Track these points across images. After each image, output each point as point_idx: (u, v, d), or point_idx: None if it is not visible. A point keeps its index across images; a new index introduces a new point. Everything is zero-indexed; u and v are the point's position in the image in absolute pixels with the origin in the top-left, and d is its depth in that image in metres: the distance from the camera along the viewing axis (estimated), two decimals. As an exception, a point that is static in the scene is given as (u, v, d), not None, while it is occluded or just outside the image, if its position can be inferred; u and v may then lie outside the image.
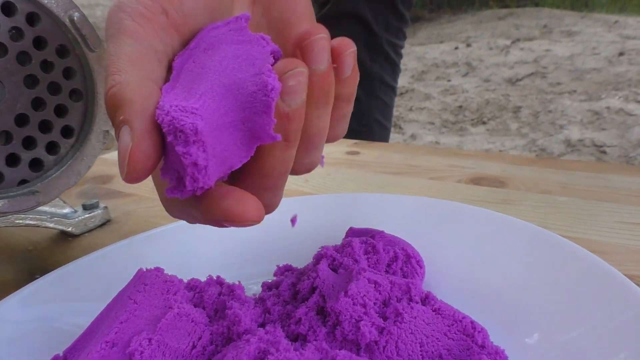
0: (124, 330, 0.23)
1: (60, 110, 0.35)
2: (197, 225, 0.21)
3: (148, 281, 0.25)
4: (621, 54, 2.73)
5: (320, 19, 0.86)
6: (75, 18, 0.33)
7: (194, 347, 0.23)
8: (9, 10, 0.32)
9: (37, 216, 0.41)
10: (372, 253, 0.28)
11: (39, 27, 0.33)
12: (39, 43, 0.33)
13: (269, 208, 0.21)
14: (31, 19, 0.33)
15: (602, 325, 0.22)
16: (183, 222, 0.36)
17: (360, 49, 0.85)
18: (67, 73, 0.35)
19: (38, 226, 0.42)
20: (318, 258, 0.28)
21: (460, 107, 2.20)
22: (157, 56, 0.20)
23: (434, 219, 0.33)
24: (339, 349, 0.21)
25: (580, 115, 1.77)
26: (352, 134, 0.85)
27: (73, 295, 0.30)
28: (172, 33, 0.21)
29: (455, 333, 0.21)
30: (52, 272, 0.31)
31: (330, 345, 0.22)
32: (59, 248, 0.42)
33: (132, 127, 0.17)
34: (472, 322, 0.22)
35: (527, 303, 0.25)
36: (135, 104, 0.17)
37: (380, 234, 0.30)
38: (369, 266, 0.28)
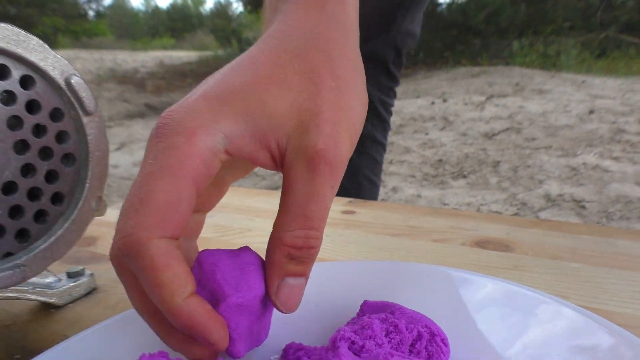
0: None
1: (51, 176, 0.32)
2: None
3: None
4: (591, 111, 2.83)
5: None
6: (72, 81, 0.32)
7: None
8: (2, 73, 0.30)
9: (18, 287, 0.38)
10: (395, 333, 0.26)
11: (32, 90, 0.31)
12: (31, 107, 0.31)
13: None
14: (25, 82, 0.31)
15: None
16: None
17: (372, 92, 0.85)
18: (60, 137, 0.33)
19: (19, 299, 0.38)
20: (335, 341, 0.26)
21: (440, 160, 2.22)
22: None
23: (452, 290, 0.31)
24: None
25: (558, 170, 1.80)
26: (343, 191, 0.84)
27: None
28: None
29: None
30: (36, 358, 0.27)
31: None
32: (41, 322, 0.39)
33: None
34: None
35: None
36: None
37: (401, 309, 0.28)
38: (391, 348, 0.25)
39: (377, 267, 0.34)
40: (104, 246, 0.53)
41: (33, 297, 0.39)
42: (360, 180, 0.87)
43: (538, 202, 1.59)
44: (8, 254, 0.31)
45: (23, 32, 0.30)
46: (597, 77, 4.20)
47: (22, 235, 0.31)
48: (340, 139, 0.23)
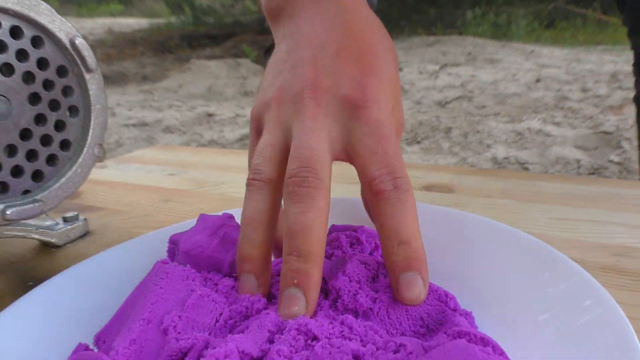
0: (155, 310, 0.26)
1: (59, 126, 0.38)
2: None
3: (168, 270, 0.29)
4: (538, 80, 2.98)
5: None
6: (76, 42, 0.37)
7: (217, 321, 0.27)
8: (16, 33, 0.34)
9: (24, 228, 0.43)
10: (357, 244, 0.33)
11: (42, 49, 0.36)
12: (41, 64, 0.36)
13: None
14: (35, 42, 0.36)
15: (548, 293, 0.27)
16: (188, 223, 0.39)
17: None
18: (66, 91, 0.38)
19: (25, 237, 0.44)
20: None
21: (396, 128, 2.31)
22: None
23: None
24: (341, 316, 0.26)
25: (505, 135, 1.93)
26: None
27: (92, 289, 0.32)
28: None
29: (432, 300, 0.27)
30: (67, 270, 0.33)
31: (334, 313, 0.27)
32: (45, 258, 0.44)
33: None
34: (444, 291, 0.28)
35: (480, 278, 0.31)
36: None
37: (361, 228, 0.35)
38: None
39: (344, 203, 0.41)
40: (89, 198, 0.58)
41: (36, 236, 0.44)
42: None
43: (486, 164, 1.70)
44: (26, 192, 0.36)
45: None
46: (545, 47, 4.39)
47: (37, 176, 0.37)
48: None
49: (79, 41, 0.37)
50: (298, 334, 0.24)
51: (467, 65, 3.66)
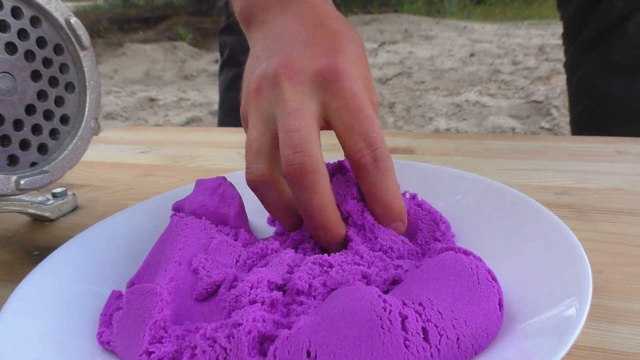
0: (183, 254, 0.30)
1: (58, 101, 0.40)
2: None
3: (188, 222, 0.33)
4: (472, 55, 3.12)
5: (233, 24, 0.95)
6: (71, 20, 0.39)
7: (237, 262, 0.31)
8: (16, 14, 0.37)
9: (20, 203, 0.45)
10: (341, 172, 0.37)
11: (40, 28, 0.38)
12: (40, 42, 0.38)
13: None
14: (33, 21, 0.38)
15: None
16: (186, 189, 0.43)
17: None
18: (62, 69, 0.40)
19: (21, 212, 0.46)
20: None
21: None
22: None
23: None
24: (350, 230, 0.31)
25: (445, 108, 2.03)
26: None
27: (111, 248, 0.36)
28: None
29: (427, 220, 0.32)
30: (82, 232, 0.36)
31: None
32: (41, 231, 0.47)
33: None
34: (441, 216, 0.33)
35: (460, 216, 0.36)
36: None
37: (344, 161, 0.39)
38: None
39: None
40: (68, 177, 0.60)
41: (32, 211, 0.46)
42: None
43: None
44: (33, 164, 0.38)
45: (33, -19, 0.37)
46: (476, 23, 4.56)
47: (42, 149, 0.39)
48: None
49: (74, 20, 0.39)
50: (314, 264, 0.29)
51: (404, 43, 3.76)
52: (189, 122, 2.18)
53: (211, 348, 0.23)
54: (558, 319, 0.23)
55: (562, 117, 1.79)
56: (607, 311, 0.29)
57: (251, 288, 0.26)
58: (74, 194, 0.51)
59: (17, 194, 0.37)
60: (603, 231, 0.37)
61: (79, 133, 0.41)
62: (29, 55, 0.38)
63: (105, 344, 0.27)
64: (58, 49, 0.40)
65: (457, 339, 0.23)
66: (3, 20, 0.36)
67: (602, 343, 0.26)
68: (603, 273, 0.32)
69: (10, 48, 0.36)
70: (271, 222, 0.40)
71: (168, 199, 0.42)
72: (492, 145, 0.58)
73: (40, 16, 0.38)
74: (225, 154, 0.63)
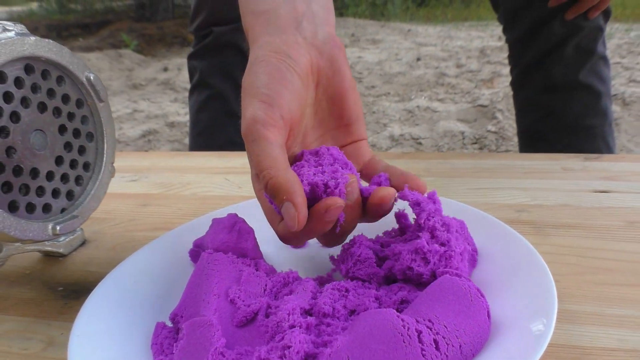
0: (219, 287, 0.36)
1: (81, 150, 0.44)
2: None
3: (218, 258, 0.38)
4: (418, 59, 3.25)
5: (202, 50, 0.99)
6: (91, 77, 0.44)
7: (265, 290, 0.37)
8: (45, 75, 0.41)
9: (39, 241, 0.49)
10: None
11: (63, 86, 0.42)
12: (64, 99, 0.43)
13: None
14: (58, 80, 0.42)
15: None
16: (195, 223, 0.48)
17: (238, 72, 1.00)
18: (83, 120, 0.44)
19: (39, 251, 0.49)
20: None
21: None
22: (284, 149, 0.34)
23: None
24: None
25: (398, 114, 2.13)
26: (237, 146, 0.99)
27: (142, 283, 0.40)
28: (286, 130, 0.35)
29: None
30: (112, 271, 0.41)
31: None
32: (57, 267, 0.50)
33: (295, 203, 0.31)
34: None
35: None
36: (294, 187, 0.32)
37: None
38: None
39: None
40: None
41: (49, 248, 0.50)
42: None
43: (385, 142, 1.88)
44: (62, 210, 0.43)
45: (58, 44, 0.41)
46: (420, 25, 4.73)
47: (70, 196, 0.43)
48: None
49: (93, 77, 0.44)
50: (333, 290, 0.35)
51: (352, 47, 3.86)
52: (145, 135, 2.18)
53: (267, 367, 0.29)
54: (534, 326, 0.30)
55: (506, 119, 1.92)
56: (566, 314, 0.36)
57: (289, 315, 0.32)
58: (81, 229, 0.55)
59: (53, 239, 0.41)
60: (557, 244, 0.45)
61: (100, 177, 0.45)
62: (56, 111, 0.42)
63: (165, 369, 0.32)
64: (79, 103, 0.44)
65: (460, 346, 0.30)
66: (35, 83, 0.40)
67: (565, 340, 0.34)
68: (560, 282, 0.40)
69: (41, 107, 0.40)
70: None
71: (182, 234, 0.47)
72: (458, 165, 0.66)
73: (64, 75, 0.42)
74: (214, 180, 0.68)
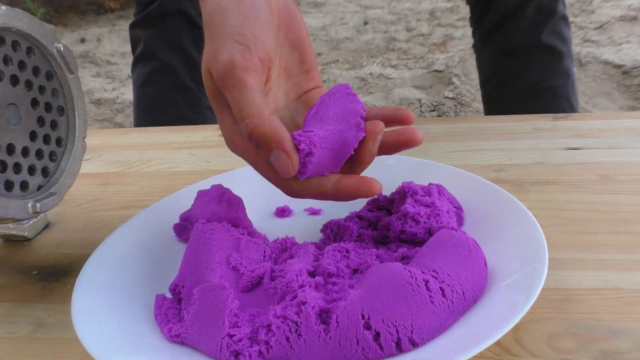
0: (219, 255, 0.39)
1: (53, 125, 0.46)
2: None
3: (214, 227, 0.41)
4: (366, 23, 3.30)
5: (146, 17, 0.99)
6: (61, 49, 0.45)
7: (264, 256, 0.41)
8: (15, 47, 0.42)
9: (2, 225, 0.50)
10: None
11: (33, 58, 0.44)
12: (35, 71, 0.44)
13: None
14: (28, 52, 0.43)
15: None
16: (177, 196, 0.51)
17: (187, 43, 1.01)
18: (54, 94, 0.46)
19: (5, 234, 0.51)
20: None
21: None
22: (264, 93, 0.36)
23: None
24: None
25: (351, 82, 2.17)
26: (188, 122, 1.01)
27: (133, 255, 0.43)
28: (264, 74, 0.37)
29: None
30: (100, 246, 0.43)
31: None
32: (24, 251, 0.52)
33: (286, 150, 0.33)
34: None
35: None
36: (281, 134, 0.33)
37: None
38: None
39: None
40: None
41: (14, 232, 0.51)
42: (203, 111, 1.05)
43: (338, 113, 1.93)
44: (39, 187, 0.44)
45: (27, 13, 0.42)
46: (364, -13, 4.77)
47: (45, 172, 0.45)
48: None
49: (63, 47, 0.45)
50: (335, 252, 0.39)
51: (293, 11, 3.87)
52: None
53: (284, 323, 0.33)
54: (528, 275, 0.36)
55: (464, 84, 2.01)
56: (552, 262, 0.42)
57: (297, 276, 0.36)
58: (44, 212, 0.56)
59: (33, 218, 0.43)
60: (537, 199, 0.51)
61: (73, 153, 0.47)
62: (28, 84, 0.43)
63: (175, 337, 0.36)
64: (49, 76, 0.45)
65: (463, 292, 0.35)
66: (6, 55, 0.41)
67: (553, 284, 0.40)
68: (543, 233, 0.46)
69: (13, 80, 0.42)
70: (278, 213, 0.49)
71: (162, 210, 0.50)
72: (431, 129, 0.71)
73: (33, 46, 0.43)
74: (177, 155, 0.70)
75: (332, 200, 0.36)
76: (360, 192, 0.35)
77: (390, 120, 0.39)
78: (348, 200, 0.36)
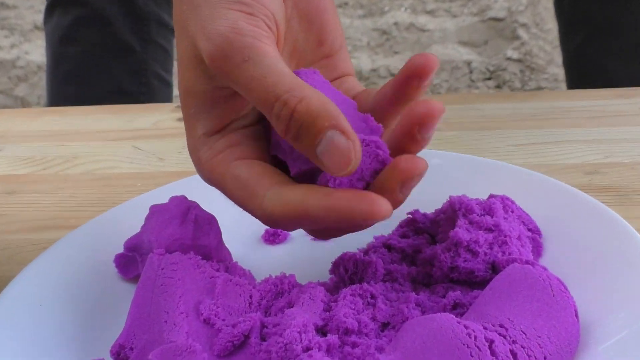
0: (187, 303, 0.40)
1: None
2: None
3: (176, 260, 0.42)
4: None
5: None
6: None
7: (250, 304, 0.41)
8: None
9: None
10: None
11: None
12: None
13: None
14: None
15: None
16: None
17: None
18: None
19: None
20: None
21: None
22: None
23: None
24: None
25: (366, 37, 2.18)
26: (128, 97, 1.01)
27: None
28: (275, 40, 0.37)
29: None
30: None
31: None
32: None
33: (345, 130, 0.32)
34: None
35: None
36: (336, 109, 0.32)
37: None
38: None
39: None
40: None
41: None
42: (150, 80, 1.05)
43: (348, 82, 1.93)
44: None
45: None
46: None
47: None
48: None
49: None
50: (354, 297, 0.40)
51: None
52: None
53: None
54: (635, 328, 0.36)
55: (535, 40, 2.02)
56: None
57: (300, 333, 0.37)
58: None
59: None
60: (650, 217, 0.52)
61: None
62: None
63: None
64: None
65: (545, 357, 0.35)
66: None
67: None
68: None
69: None
70: (268, 238, 0.50)
71: (95, 234, 0.50)
72: (489, 110, 0.72)
73: None
74: (116, 149, 0.71)
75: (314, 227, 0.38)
76: (354, 214, 0.34)
77: (403, 85, 0.38)
78: (337, 227, 0.37)
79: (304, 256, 0.50)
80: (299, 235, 0.52)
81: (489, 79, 1.86)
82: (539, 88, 1.81)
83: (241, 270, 0.45)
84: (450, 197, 0.46)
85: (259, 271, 0.46)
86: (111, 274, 0.48)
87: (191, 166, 0.65)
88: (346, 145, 0.32)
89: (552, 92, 0.78)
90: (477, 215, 0.43)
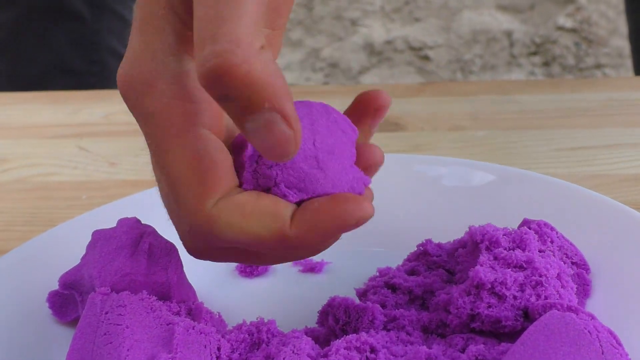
0: (136, 358, 0.39)
1: None
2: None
3: (123, 302, 0.41)
4: None
5: None
6: None
7: (217, 357, 0.41)
8: None
9: None
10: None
11: None
12: None
13: None
14: None
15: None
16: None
17: None
18: None
19: None
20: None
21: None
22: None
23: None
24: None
25: (379, 0, 2.18)
26: (74, 77, 1.01)
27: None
28: None
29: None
30: None
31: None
32: None
33: (286, 114, 0.31)
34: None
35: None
36: (284, 86, 0.32)
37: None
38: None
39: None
40: None
41: None
42: (104, 57, 1.05)
43: (357, 58, 1.93)
44: None
45: None
46: None
47: None
48: None
49: None
50: (349, 351, 0.40)
51: None
52: None
53: None
54: None
55: (594, 3, 2.01)
56: None
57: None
58: None
59: None
60: None
61: None
62: None
63: None
64: None
65: None
66: None
67: None
68: None
69: None
70: (244, 269, 0.50)
71: (23, 265, 0.50)
72: (526, 103, 0.71)
73: None
74: (57, 149, 0.70)
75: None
76: (336, 220, 0.35)
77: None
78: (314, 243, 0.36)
79: (289, 293, 0.49)
80: (282, 267, 0.51)
81: (535, 53, 1.85)
82: (599, 66, 1.80)
83: (208, 314, 0.45)
84: (470, 227, 0.45)
85: (231, 314, 0.46)
86: (44, 316, 0.48)
87: (150, 174, 0.66)
88: (284, 131, 0.32)
89: (610, 79, 0.78)
90: (505, 249, 0.43)
